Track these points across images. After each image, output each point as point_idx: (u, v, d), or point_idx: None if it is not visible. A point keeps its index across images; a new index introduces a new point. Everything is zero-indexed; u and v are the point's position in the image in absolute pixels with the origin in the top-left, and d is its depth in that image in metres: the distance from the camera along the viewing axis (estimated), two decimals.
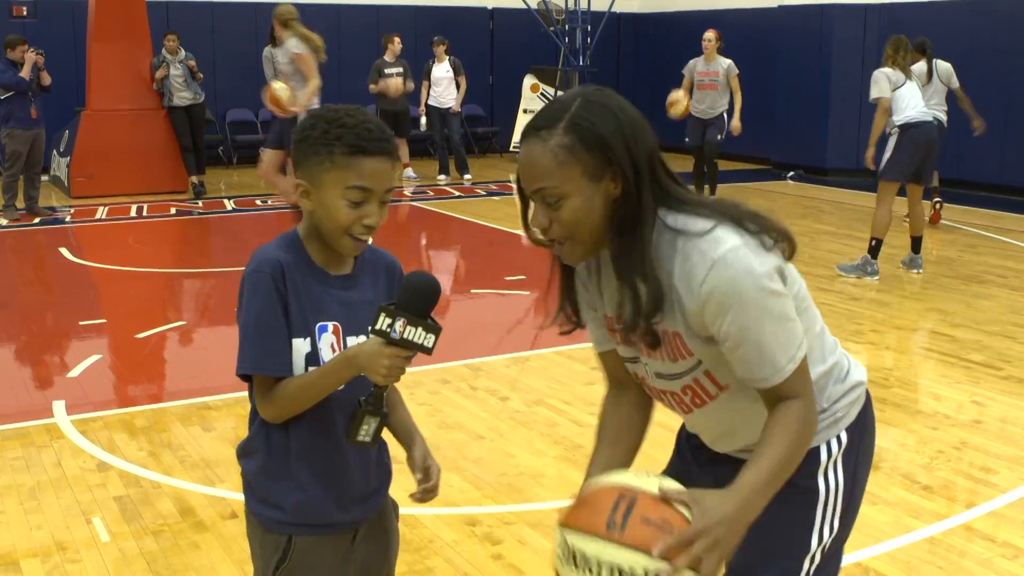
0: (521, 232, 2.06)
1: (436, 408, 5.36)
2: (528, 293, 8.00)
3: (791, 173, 14.73)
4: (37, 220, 11.07)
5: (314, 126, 2.07)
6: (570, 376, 5.87)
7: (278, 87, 8.95)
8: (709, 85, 11.44)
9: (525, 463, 4.63)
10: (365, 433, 2.09)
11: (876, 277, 8.34)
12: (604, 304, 2.07)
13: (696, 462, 2.23)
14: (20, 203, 11.31)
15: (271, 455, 2.14)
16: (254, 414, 2.16)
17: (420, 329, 2.00)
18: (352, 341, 2.14)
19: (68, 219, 11.31)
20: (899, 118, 8.22)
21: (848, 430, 2.08)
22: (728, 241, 1.86)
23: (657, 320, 1.93)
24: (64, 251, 9.52)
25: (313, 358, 2.10)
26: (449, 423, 5.15)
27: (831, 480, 2.06)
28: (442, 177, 14.36)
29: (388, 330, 1.99)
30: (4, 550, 3.88)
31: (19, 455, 4.78)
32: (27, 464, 4.67)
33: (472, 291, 8.34)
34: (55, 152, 13.38)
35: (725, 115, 11.44)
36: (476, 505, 4.24)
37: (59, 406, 5.37)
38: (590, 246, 1.93)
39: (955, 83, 10.26)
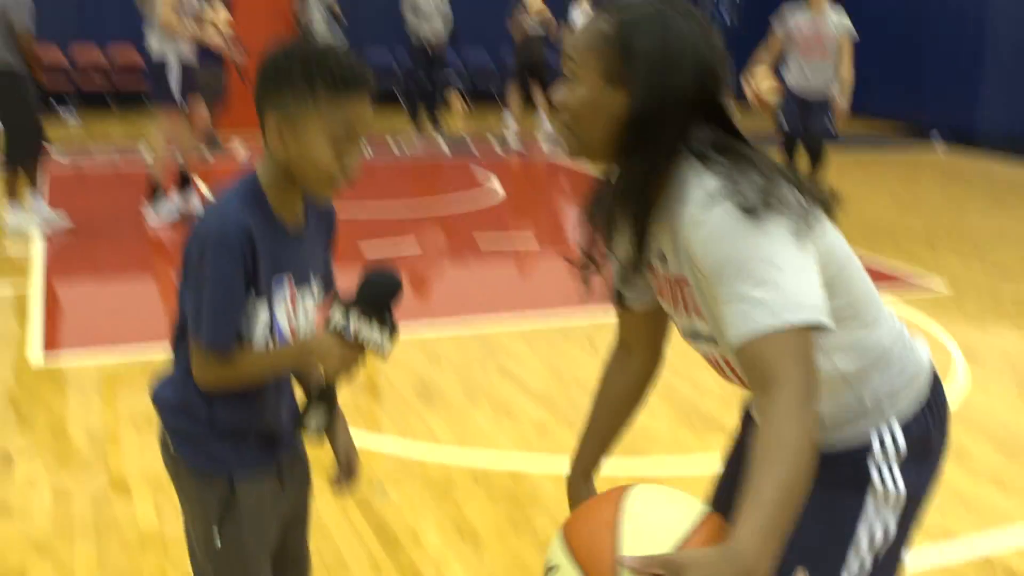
0: None
1: (554, 363, 5.28)
2: None
3: (934, 131, 14.05)
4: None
5: (290, 63, 1.90)
6: None
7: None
8: (817, 49, 8.11)
9: (639, 422, 4.48)
10: (316, 423, 2.03)
11: None
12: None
13: None
14: None
15: (205, 411, 2.03)
16: (183, 373, 2.03)
17: (376, 330, 1.93)
18: (303, 297, 2.07)
19: (208, 156, 11.52)
20: None
21: (904, 426, 1.85)
22: (721, 202, 1.65)
23: (659, 263, 1.83)
24: (204, 187, 9.68)
25: (271, 328, 2.01)
26: (566, 377, 5.06)
27: (887, 476, 1.84)
28: None
29: (343, 327, 1.93)
30: (118, 473, 3.95)
31: (141, 382, 4.87)
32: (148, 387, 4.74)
33: None
34: None
35: (836, 92, 8.31)
36: None
37: None
38: (586, 146, 1.79)
39: None
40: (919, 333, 5.88)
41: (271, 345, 2.03)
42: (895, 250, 7.97)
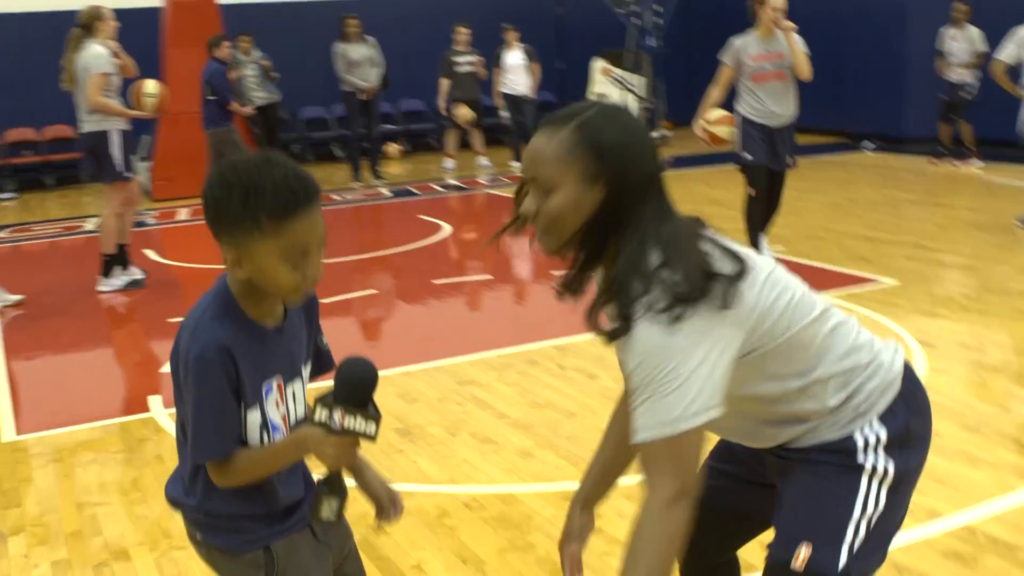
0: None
1: (526, 388, 5.37)
2: None
3: (866, 143, 14.47)
4: None
5: (230, 194, 1.91)
6: None
7: None
8: (775, 74, 7.44)
9: None
10: (329, 512, 2.07)
11: None
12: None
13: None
14: None
15: (221, 504, 2.10)
16: (193, 471, 2.10)
17: (359, 418, 1.95)
18: (290, 389, 2.13)
19: (151, 221, 11.51)
20: None
21: (883, 419, 2.06)
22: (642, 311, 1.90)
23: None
24: (149, 252, 9.68)
25: (264, 425, 2.07)
26: (540, 402, 5.15)
27: (877, 462, 2.05)
28: (516, 164, 14.36)
29: (328, 422, 1.96)
30: (113, 539, 3.97)
31: (120, 449, 4.88)
32: (128, 457, 4.77)
33: (552, 273, 8.29)
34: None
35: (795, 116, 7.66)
36: (573, 480, 4.22)
37: (155, 401, 5.47)
38: (564, 241, 2.01)
39: None
40: (887, 334, 6.06)
41: (266, 441, 2.09)
42: (839, 250, 8.17)
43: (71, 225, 11.64)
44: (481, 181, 13.40)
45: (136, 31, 14.17)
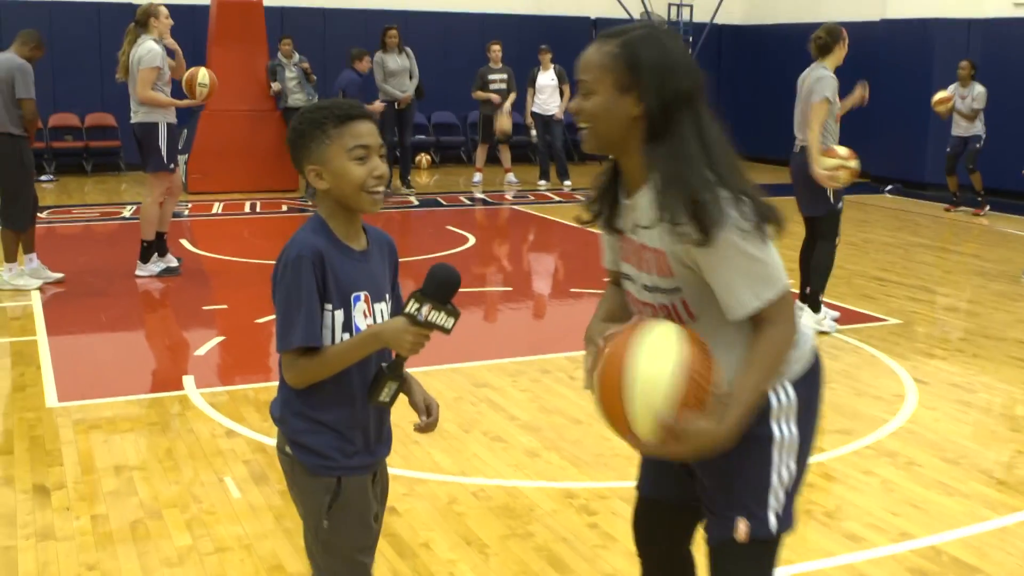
0: None
1: (537, 395, 5.70)
2: None
3: (889, 187, 14.78)
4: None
5: (301, 122, 2.48)
6: None
7: None
8: (839, 108, 7.09)
9: (620, 445, 4.88)
10: (386, 394, 2.51)
11: None
12: (622, 220, 2.45)
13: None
14: None
15: (310, 417, 2.51)
16: (288, 390, 2.53)
17: (443, 313, 2.39)
18: (377, 307, 2.54)
19: (186, 213, 11.89)
20: None
21: (794, 385, 2.37)
22: (728, 227, 2.20)
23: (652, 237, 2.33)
24: (184, 242, 10.06)
25: (347, 324, 2.49)
26: (549, 408, 5.48)
27: (784, 428, 2.37)
28: (542, 183, 14.71)
29: (415, 313, 2.37)
30: (148, 500, 4.31)
31: (156, 421, 5.24)
32: (163, 429, 5.12)
33: (571, 290, 8.65)
34: None
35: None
36: (573, 480, 4.56)
37: (189, 380, 5.83)
38: (603, 142, 2.34)
39: None
40: (884, 369, 6.36)
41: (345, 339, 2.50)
42: (848, 287, 8.48)
43: (109, 211, 12.05)
44: (508, 197, 13.75)
45: (183, 27, 14.64)
